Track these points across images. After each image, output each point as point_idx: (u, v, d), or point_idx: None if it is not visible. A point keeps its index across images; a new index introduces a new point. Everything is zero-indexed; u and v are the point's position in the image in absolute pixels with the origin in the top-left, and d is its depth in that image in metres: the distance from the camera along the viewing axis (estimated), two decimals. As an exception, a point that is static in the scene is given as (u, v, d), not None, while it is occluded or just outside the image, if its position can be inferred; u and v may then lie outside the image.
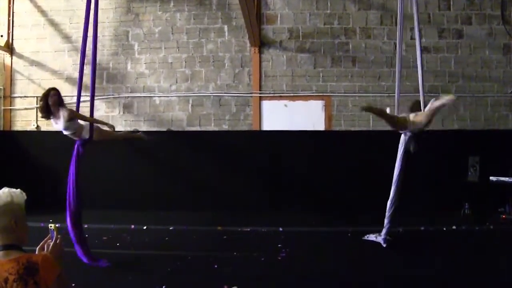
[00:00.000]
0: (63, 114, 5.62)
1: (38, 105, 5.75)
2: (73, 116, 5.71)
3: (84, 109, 9.67)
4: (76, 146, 5.80)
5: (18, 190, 2.18)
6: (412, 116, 6.07)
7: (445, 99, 5.89)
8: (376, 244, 6.39)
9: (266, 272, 5.32)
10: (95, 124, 5.95)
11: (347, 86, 9.28)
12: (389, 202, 6.27)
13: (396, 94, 6.61)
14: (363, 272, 5.31)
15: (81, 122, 5.85)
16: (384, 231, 6.33)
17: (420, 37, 6.25)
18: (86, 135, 5.79)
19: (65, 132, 5.76)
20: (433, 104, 5.92)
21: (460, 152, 8.62)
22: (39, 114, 5.95)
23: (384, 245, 6.25)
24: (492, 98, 9.22)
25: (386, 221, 6.30)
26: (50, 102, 5.63)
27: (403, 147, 6.14)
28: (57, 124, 5.71)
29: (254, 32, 8.58)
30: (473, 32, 9.23)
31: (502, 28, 9.16)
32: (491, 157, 8.49)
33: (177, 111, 9.47)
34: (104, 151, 7.91)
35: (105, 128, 6.14)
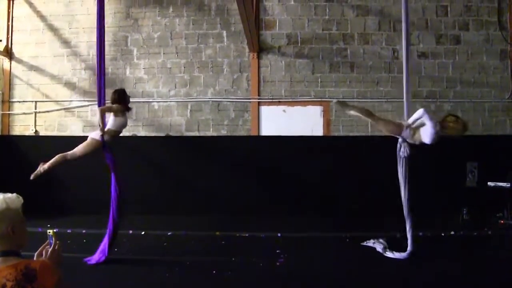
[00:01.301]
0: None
1: (126, 99, 6.12)
2: None
3: (82, 114, 9.72)
4: (111, 154, 6.08)
5: (14, 194, 2.14)
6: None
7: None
8: (374, 249, 6.38)
9: (264, 278, 5.31)
10: None
11: (345, 92, 9.31)
12: (406, 214, 6.03)
13: (405, 101, 6.36)
14: (361, 278, 5.30)
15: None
16: (409, 243, 6.02)
17: (409, 41, 6.17)
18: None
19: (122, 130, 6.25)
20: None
21: (458, 158, 8.63)
22: (127, 108, 6.14)
23: (406, 256, 5.97)
24: (489, 104, 9.26)
25: (408, 235, 6.02)
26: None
27: (400, 153, 5.99)
28: (124, 120, 6.13)
29: (253, 37, 8.61)
30: (471, 38, 9.28)
31: (499, 34, 9.22)
32: (489, 163, 8.50)
33: (176, 116, 9.48)
34: (101, 156, 7.90)
35: None
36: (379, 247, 6.36)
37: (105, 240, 5.86)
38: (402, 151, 5.88)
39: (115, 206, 5.93)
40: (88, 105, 9.42)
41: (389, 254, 6.11)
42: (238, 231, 7.50)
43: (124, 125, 6.14)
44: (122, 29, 9.56)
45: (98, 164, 8.08)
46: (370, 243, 6.59)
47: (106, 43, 8.97)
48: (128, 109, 6.17)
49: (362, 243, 6.68)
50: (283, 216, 8.57)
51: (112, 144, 6.05)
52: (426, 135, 5.66)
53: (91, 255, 5.80)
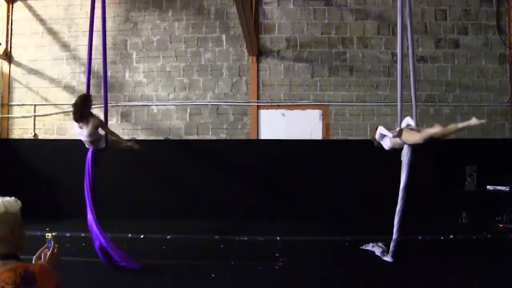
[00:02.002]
0: (93, 121, 5.77)
1: (73, 106, 5.78)
2: (101, 125, 5.89)
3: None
4: (90, 154, 5.91)
5: (13, 198, 2.14)
6: (405, 134, 5.93)
7: (453, 127, 5.58)
8: (373, 253, 6.37)
9: (263, 281, 5.30)
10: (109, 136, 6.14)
11: (344, 96, 9.32)
12: (397, 215, 5.99)
13: (398, 104, 6.42)
14: (360, 282, 5.30)
15: (101, 132, 5.98)
16: (392, 245, 6.04)
17: (414, 47, 6.21)
18: (102, 145, 6.00)
19: (85, 139, 5.86)
20: (431, 130, 5.58)
21: (457, 161, 8.64)
22: (72, 116, 5.86)
23: (391, 260, 6.03)
24: (488, 108, 9.27)
25: (394, 236, 6.01)
26: (86, 107, 5.80)
27: (406, 157, 5.99)
28: (81, 129, 5.81)
29: (252, 41, 8.62)
30: (469, 42, 9.30)
31: (498, 38, 9.24)
32: (488, 166, 8.50)
33: (175, 120, 9.48)
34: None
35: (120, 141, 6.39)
36: (377, 251, 6.36)
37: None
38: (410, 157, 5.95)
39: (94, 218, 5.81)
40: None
41: (387, 258, 6.10)
42: (237, 235, 7.50)
43: (85, 134, 5.79)
44: (122, 32, 9.56)
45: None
46: (369, 246, 6.59)
47: (106, 47, 8.96)
48: (77, 117, 5.74)
49: (361, 247, 6.68)
50: (282, 220, 8.57)
51: (99, 153, 5.99)
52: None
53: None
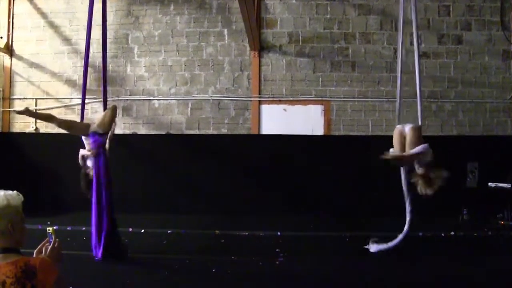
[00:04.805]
0: None
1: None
2: None
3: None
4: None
5: (15, 192, 2.14)
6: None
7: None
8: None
9: (264, 276, 5.31)
10: None
11: (346, 91, 9.29)
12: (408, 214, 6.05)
13: (397, 100, 6.44)
14: (361, 278, 5.29)
15: None
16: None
17: (419, 42, 6.20)
18: None
19: None
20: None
21: (459, 158, 8.61)
22: None
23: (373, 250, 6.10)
24: (491, 104, 9.24)
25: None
26: None
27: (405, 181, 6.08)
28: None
29: (254, 36, 8.59)
30: (473, 38, 9.26)
31: (502, 34, 9.19)
32: (490, 163, 8.49)
33: (176, 114, 9.46)
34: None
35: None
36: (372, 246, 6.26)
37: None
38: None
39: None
40: (88, 103, 9.38)
41: (373, 247, 6.08)
42: (238, 230, 7.50)
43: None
44: (123, 26, 9.53)
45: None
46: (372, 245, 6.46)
47: (107, 40, 8.93)
48: None
49: (365, 246, 6.55)
50: (283, 215, 8.57)
51: None
52: None
53: (91, 252, 5.81)
